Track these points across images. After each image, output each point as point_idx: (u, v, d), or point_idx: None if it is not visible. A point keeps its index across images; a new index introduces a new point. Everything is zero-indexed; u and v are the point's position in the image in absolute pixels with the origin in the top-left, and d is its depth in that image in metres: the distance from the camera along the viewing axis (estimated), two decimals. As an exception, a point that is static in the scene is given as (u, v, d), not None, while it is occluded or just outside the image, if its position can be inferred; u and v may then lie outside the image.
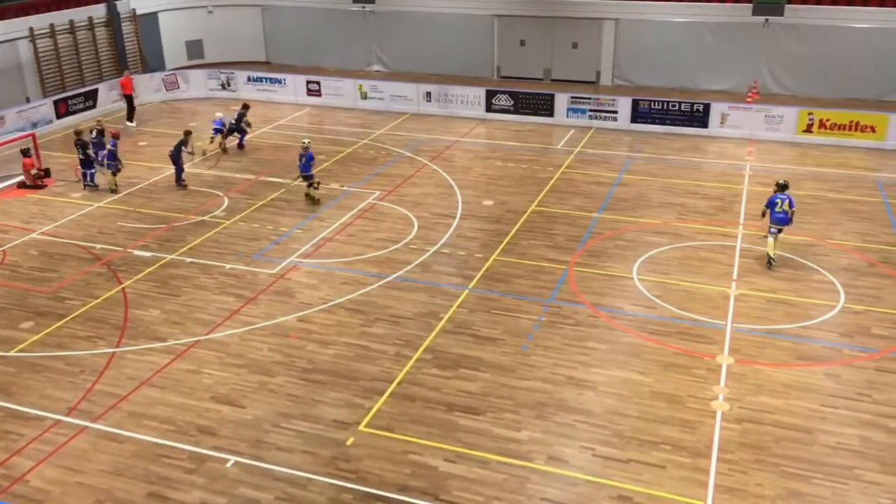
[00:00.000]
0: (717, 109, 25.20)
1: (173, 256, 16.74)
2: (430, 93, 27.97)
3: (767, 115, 24.69)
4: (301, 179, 19.56)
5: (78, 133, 21.08)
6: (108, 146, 20.53)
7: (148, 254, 16.87)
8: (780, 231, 15.99)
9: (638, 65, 30.06)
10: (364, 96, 28.88)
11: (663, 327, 13.92)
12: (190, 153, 21.36)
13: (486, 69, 31.63)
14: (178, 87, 30.11)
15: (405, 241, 17.47)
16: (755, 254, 16.65)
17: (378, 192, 20.37)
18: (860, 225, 18.16)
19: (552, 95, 26.86)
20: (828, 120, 24.14)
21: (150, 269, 16.17)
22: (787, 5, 27.48)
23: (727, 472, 10.41)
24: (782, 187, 16.17)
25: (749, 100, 26.34)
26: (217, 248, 17.13)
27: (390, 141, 25.01)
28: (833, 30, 27.37)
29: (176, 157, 20.55)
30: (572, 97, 26.69)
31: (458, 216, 18.81)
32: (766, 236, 16.19)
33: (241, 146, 23.82)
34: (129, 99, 27.10)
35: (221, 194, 20.23)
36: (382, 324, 14.10)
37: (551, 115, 26.80)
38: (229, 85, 29.54)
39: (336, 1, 32.61)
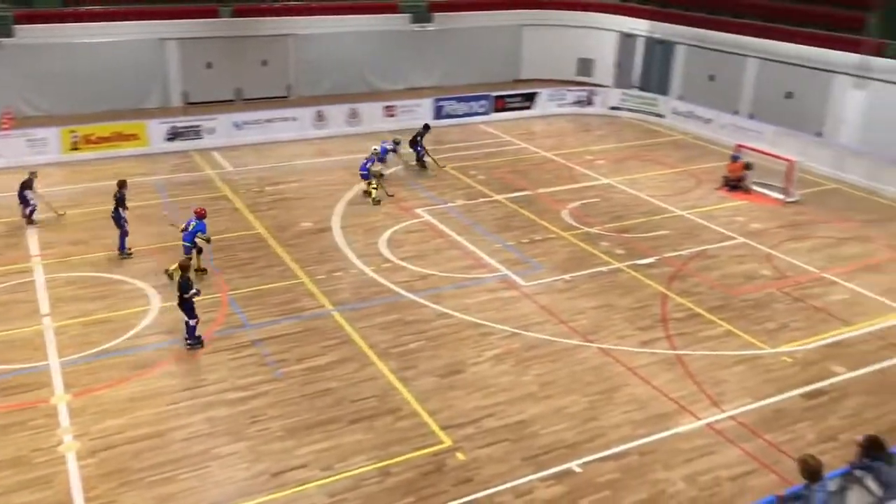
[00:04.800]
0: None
1: None
2: None
3: (30, 139, 23.50)
4: None
5: None
6: None
7: None
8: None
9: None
10: None
11: (-15, 390, 12.32)
12: None
13: None
14: None
15: None
16: (58, 282, 15.97)
17: None
18: (151, 228, 18.54)
19: None
20: (92, 134, 24.28)
21: None
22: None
23: (98, 510, 9.98)
24: None
25: (6, 127, 24.50)
26: None
27: None
28: (67, 46, 27.47)
29: None
30: None
31: None
32: None
33: None
34: None
35: None
36: None
37: None
38: None
39: None
